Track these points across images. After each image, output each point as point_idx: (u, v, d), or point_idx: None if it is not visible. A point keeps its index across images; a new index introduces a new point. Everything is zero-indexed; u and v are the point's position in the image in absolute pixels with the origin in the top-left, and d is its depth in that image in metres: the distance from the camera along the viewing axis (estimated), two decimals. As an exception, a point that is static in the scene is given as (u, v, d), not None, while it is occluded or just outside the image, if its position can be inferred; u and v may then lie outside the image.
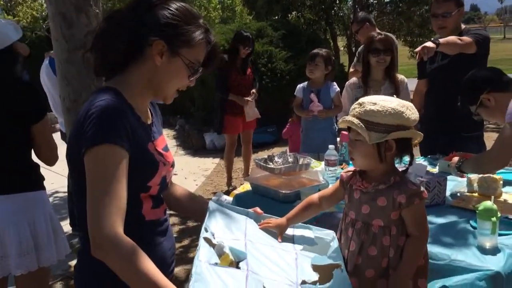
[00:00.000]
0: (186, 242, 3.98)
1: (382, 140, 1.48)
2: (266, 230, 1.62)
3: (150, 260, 1.16)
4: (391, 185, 1.53)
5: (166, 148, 1.44)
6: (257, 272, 1.34)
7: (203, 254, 1.30)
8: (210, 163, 6.69)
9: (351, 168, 1.71)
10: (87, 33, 2.61)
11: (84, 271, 1.34)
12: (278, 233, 1.61)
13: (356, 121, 1.50)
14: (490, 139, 4.19)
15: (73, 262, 3.23)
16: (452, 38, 2.94)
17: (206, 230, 1.43)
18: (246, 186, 2.83)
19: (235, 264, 1.38)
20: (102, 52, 1.31)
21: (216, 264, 1.30)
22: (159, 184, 1.35)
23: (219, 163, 6.68)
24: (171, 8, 1.29)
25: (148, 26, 1.27)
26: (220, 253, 1.39)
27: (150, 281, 1.13)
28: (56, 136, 2.71)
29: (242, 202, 2.47)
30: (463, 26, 3.28)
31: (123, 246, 1.13)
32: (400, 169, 1.60)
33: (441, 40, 2.83)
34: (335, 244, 1.62)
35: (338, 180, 1.73)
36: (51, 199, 5.20)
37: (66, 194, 4.62)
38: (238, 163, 6.21)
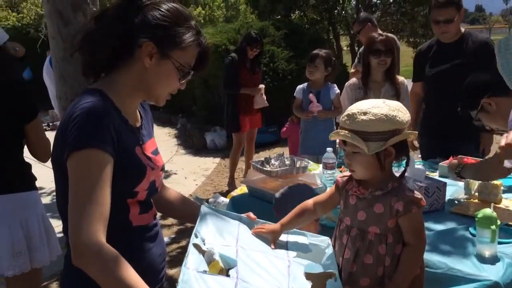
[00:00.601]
0: (183, 243, 3.96)
1: (382, 148, 1.44)
2: (260, 236, 1.58)
3: (133, 270, 1.12)
4: (389, 192, 1.49)
5: (155, 152, 1.40)
6: (247, 280, 1.31)
7: (191, 261, 1.27)
8: (210, 163, 6.66)
9: (347, 173, 1.67)
10: (77, 32, 2.60)
11: (68, 278, 1.30)
12: (272, 240, 1.58)
13: (350, 134, 1.45)
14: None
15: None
16: None
17: (196, 236, 1.40)
18: (243, 189, 2.79)
19: (225, 272, 1.35)
20: (90, 52, 1.28)
21: (205, 272, 1.27)
22: (147, 189, 1.31)
23: (219, 163, 6.65)
24: (161, 9, 1.25)
25: (138, 27, 1.24)
26: (210, 260, 1.35)
27: None
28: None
29: (238, 205, 2.45)
30: (462, 29, 3.24)
31: (104, 255, 1.10)
32: (397, 174, 1.56)
33: None
34: (329, 251, 1.58)
35: (334, 185, 1.69)
36: (49, 197, 5.17)
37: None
38: (239, 163, 6.18)
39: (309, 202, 1.71)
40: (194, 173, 6.19)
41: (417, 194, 1.50)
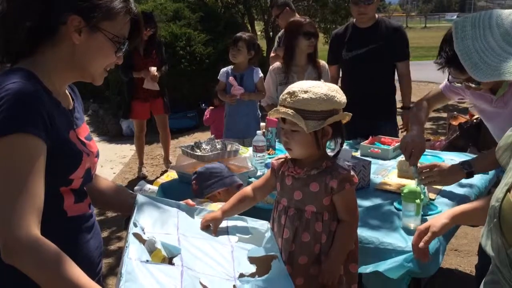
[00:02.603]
0: (105, 234, 3.78)
1: (320, 127, 1.48)
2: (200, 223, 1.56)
3: (74, 264, 1.05)
4: (323, 170, 1.54)
5: (89, 137, 1.30)
6: (192, 267, 1.28)
7: (133, 252, 1.21)
8: (128, 150, 6.41)
9: (281, 155, 1.69)
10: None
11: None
12: (213, 227, 1.56)
13: (291, 112, 1.47)
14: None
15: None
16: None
17: (136, 225, 1.35)
18: (171, 174, 2.72)
19: (168, 260, 1.31)
20: (4, 36, 1.14)
21: (147, 261, 1.22)
22: (82, 176, 1.22)
23: (137, 149, 6.42)
24: None
25: (59, 1, 1.13)
26: (152, 249, 1.31)
27: (77, 287, 1.02)
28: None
29: (169, 192, 2.38)
30: (376, 15, 3.41)
31: (42, 250, 1.01)
32: (330, 154, 1.61)
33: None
34: (269, 234, 1.60)
35: (269, 169, 1.70)
36: None
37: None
38: (157, 150, 6.01)
39: (248, 188, 1.72)
40: (111, 161, 5.92)
41: (350, 172, 1.55)
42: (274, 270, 1.40)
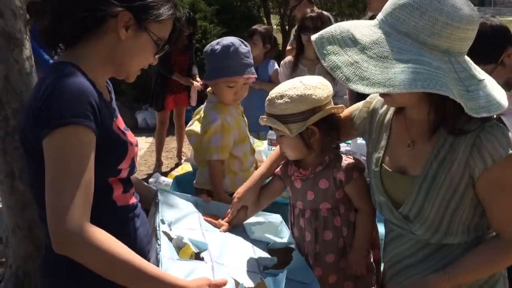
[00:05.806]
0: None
1: (303, 128, 1.45)
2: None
3: (129, 249, 1.07)
4: (328, 164, 1.52)
5: (126, 127, 1.32)
6: (221, 262, 1.33)
7: (165, 250, 1.27)
8: (143, 143, 6.45)
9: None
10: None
11: (54, 268, 1.20)
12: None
13: (271, 119, 1.47)
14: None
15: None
16: None
17: (163, 222, 1.40)
18: (186, 167, 2.72)
19: (195, 255, 1.36)
20: (54, 20, 1.15)
21: (178, 259, 1.28)
22: (129, 166, 1.24)
23: (152, 142, 6.45)
24: None
25: None
26: (180, 245, 1.36)
27: (137, 270, 1.06)
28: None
29: (183, 184, 2.38)
30: None
31: (97, 237, 1.03)
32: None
33: None
34: (283, 227, 1.64)
35: (272, 177, 1.67)
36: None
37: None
38: (172, 143, 6.03)
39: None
40: (126, 153, 5.96)
41: (355, 159, 1.54)
42: (295, 261, 1.44)
